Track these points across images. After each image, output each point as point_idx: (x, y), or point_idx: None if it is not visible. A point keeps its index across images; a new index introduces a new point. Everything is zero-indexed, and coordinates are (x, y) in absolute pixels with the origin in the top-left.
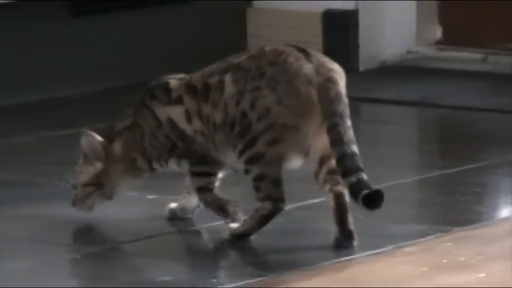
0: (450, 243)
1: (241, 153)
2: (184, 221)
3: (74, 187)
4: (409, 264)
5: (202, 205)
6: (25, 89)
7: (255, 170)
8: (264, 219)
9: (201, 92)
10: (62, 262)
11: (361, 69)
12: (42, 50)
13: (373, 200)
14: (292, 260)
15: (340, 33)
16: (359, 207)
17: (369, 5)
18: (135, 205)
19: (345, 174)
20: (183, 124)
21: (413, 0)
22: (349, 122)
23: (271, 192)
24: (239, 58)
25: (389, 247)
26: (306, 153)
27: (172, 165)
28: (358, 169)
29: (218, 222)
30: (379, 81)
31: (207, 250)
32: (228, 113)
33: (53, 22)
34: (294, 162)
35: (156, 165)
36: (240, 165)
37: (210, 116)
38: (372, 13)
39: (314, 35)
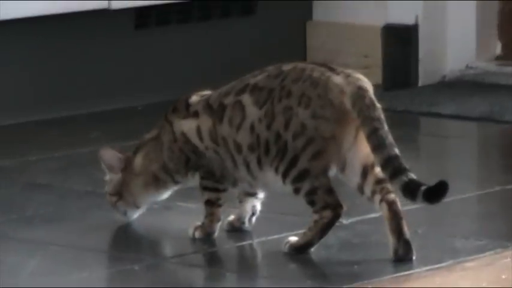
0: (510, 259)
1: (286, 174)
2: (243, 233)
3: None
4: (469, 279)
5: (257, 212)
6: (95, 99)
7: (305, 186)
8: (325, 228)
9: (216, 112)
10: (126, 272)
11: (420, 83)
12: (107, 60)
13: (436, 192)
14: (351, 274)
15: (400, 47)
16: (418, 202)
17: (429, 19)
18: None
19: (395, 174)
20: (194, 139)
21: (474, 15)
22: (387, 127)
23: (327, 200)
24: (256, 77)
25: (449, 262)
26: (343, 165)
27: (191, 178)
28: (406, 169)
29: (278, 235)
30: (440, 96)
31: (266, 263)
32: (259, 135)
33: (117, 33)
34: (333, 173)
35: (178, 178)
36: (288, 187)
37: (228, 138)
38: (432, 27)
39: (374, 48)
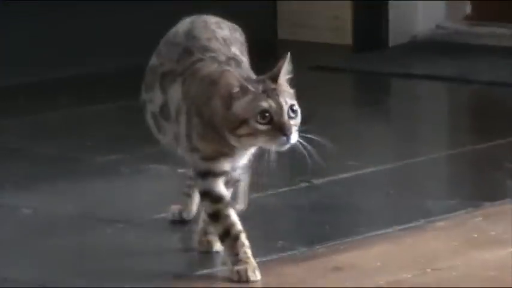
0: (481, 219)
1: None
2: None
3: None
4: (440, 239)
5: None
6: (62, 64)
7: None
8: None
9: None
10: (98, 236)
11: (390, 44)
12: (79, 26)
13: None
14: (323, 234)
15: (370, 8)
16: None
17: None
18: (167, 179)
19: None
20: None
21: None
22: None
23: None
24: None
25: (421, 222)
26: None
27: None
28: None
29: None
30: (410, 57)
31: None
32: None
33: None
34: None
35: None
36: None
37: None
38: None
39: (344, 10)
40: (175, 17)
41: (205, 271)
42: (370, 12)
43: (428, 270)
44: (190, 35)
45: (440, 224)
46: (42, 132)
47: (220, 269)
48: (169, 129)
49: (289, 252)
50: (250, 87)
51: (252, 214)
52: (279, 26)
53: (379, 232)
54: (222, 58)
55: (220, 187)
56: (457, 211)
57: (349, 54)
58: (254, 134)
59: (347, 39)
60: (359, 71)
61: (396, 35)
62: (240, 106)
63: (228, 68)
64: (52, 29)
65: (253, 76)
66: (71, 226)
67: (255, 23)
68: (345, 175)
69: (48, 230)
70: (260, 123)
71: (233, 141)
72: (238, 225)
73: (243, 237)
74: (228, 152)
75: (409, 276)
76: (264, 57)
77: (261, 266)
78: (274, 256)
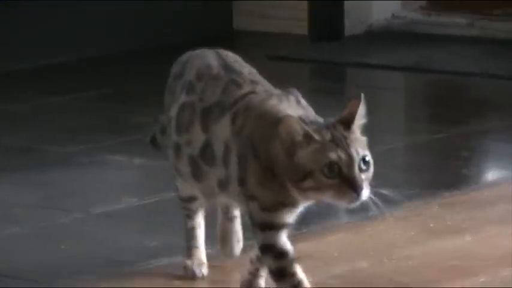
0: (438, 207)
1: None
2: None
3: None
4: (398, 228)
5: None
6: (24, 55)
7: None
8: None
9: None
10: (55, 227)
11: (347, 34)
12: (39, 18)
13: None
14: None
15: None
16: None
17: None
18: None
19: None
20: None
21: None
22: None
23: None
24: None
25: (378, 211)
26: None
27: None
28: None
29: None
30: (366, 46)
31: None
32: None
33: None
34: None
35: None
36: None
37: None
38: None
39: (300, 1)
40: (126, 13)
41: (164, 261)
42: (326, 3)
43: (385, 259)
44: (228, 67)
45: (398, 213)
46: (2, 124)
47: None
48: (212, 174)
49: (248, 242)
50: (315, 135)
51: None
52: (234, 16)
53: (337, 222)
54: (276, 91)
55: (283, 240)
56: (415, 200)
57: (306, 44)
58: (320, 188)
59: (303, 29)
60: (316, 60)
61: (352, 25)
62: (304, 156)
63: (283, 104)
64: (13, 19)
65: (315, 118)
66: (30, 216)
67: (211, 13)
68: None
69: (7, 219)
70: (327, 177)
71: (297, 194)
72: (306, 283)
73: None
74: (291, 202)
75: (365, 265)
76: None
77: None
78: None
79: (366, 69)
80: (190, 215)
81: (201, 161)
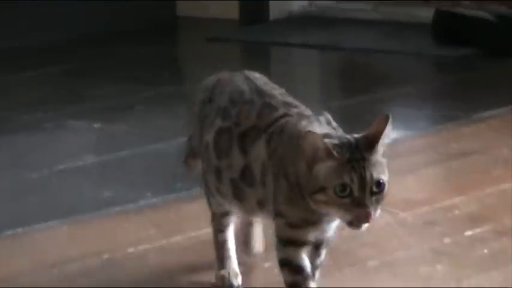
0: None
1: None
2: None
3: None
4: None
5: None
6: None
7: None
8: None
9: None
10: (27, 182)
11: (271, 18)
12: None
13: None
14: None
15: None
16: None
17: None
18: (84, 133)
19: None
20: None
21: None
22: None
23: None
24: None
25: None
26: None
27: None
28: None
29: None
30: (288, 29)
31: (144, 169)
32: None
33: None
34: None
35: None
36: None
37: None
38: None
39: None
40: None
41: (116, 208)
42: None
43: None
44: (259, 91)
45: None
46: None
47: None
48: (252, 194)
49: (186, 192)
50: (335, 152)
51: (156, 162)
52: (177, 4)
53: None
54: (308, 113)
55: (301, 257)
56: None
57: (237, 27)
58: (330, 204)
59: (234, 14)
60: (246, 41)
61: (276, 11)
62: (320, 171)
63: (314, 125)
64: None
65: (342, 136)
66: (1, 174)
67: (156, 2)
68: None
69: None
70: (338, 196)
71: (312, 204)
72: None
73: None
74: (315, 220)
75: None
76: (164, 34)
77: (162, 203)
78: (174, 195)
79: (287, 48)
80: (222, 229)
81: (242, 183)
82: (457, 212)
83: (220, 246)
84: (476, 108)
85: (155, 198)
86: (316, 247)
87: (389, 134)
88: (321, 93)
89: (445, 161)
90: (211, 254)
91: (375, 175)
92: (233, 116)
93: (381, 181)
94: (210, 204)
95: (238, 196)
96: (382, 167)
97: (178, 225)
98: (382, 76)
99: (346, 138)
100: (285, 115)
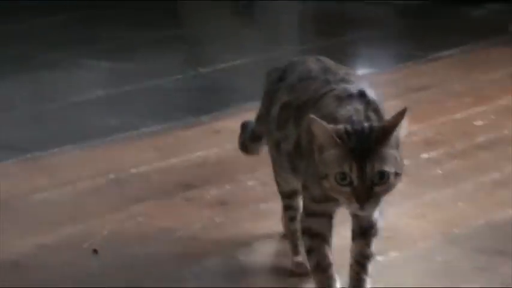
0: None
1: None
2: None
3: None
4: None
5: None
6: None
7: None
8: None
9: None
10: (47, 111)
11: None
12: None
13: None
14: (206, 108)
15: None
16: None
17: None
18: (95, 70)
19: None
20: None
21: None
22: None
23: None
24: None
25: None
26: None
27: None
28: None
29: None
30: None
31: (146, 101)
32: None
33: None
34: None
35: None
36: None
37: None
38: None
39: None
40: None
41: (121, 135)
42: None
43: None
44: (326, 69)
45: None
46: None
47: None
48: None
49: (182, 121)
50: (338, 140)
51: (157, 95)
52: None
53: (251, 104)
54: (352, 91)
55: (323, 224)
56: None
57: None
58: (333, 190)
59: None
60: None
61: None
62: (326, 158)
63: (343, 105)
64: None
65: (366, 119)
66: (25, 105)
67: None
68: (225, 65)
69: (5, 107)
70: (339, 184)
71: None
72: (328, 259)
73: (332, 270)
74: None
75: None
76: None
77: (162, 130)
78: (172, 123)
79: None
80: (293, 217)
81: (295, 156)
82: (415, 137)
83: (293, 233)
84: (432, 48)
85: (155, 126)
86: (363, 234)
87: (406, 127)
88: (299, 36)
89: (405, 94)
90: (203, 174)
91: (378, 166)
92: (295, 91)
93: (385, 172)
94: (277, 184)
95: (294, 169)
96: (390, 159)
97: (175, 149)
98: (352, 21)
99: (361, 125)
100: (331, 90)
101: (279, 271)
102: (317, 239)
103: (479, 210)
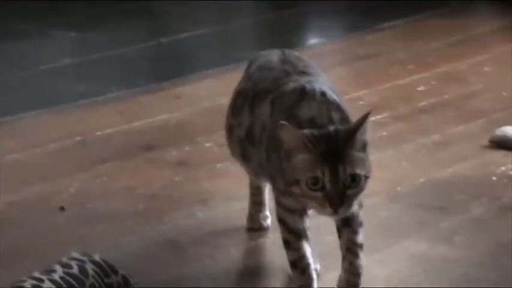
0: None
1: None
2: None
3: None
4: None
5: None
6: None
7: None
8: None
9: None
10: (18, 79)
11: None
12: None
13: None
14: (168, 74)
15: None
16: None
17: None
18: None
19: None
20: None
21: None
22: None
23: None
24: None
25: (231, 66)
26: None
27: None
28: None
29: None
30: None
31: (111, 69)
32: None
33: None
34: None
35: None
36: None
37: None
38: None
39: None
40: None
41: (86, 100)
42: None
43: None
44: (286, 61)
45: None
46: None
47: None
48: (255, 156)
49: (144, 87)
50: (310, 145)
51: (121, 63)
52: None
53: (208, 71)
54: (308, 85)
55: (296, 221)
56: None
57: None
58: (304, 196)
59: None
60: None
61: None
62: (294, 163)
63: (304, 109)
64: None
65: (329, 120)
66: None
67: None
68: (184, 35)
69: None
70: (311, 189)
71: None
72: (307, 259)
73: (310, 270)
74: None
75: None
76: None
77: (125, 95)
78: (134, 89)
79: None
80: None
81: (247, 142)
82: (361, 102)
83: (252, 189)
84: (378, 19)
85: (119, 91)
86: (347, 224)
87: (367, 130)
88: (253, 8)
89: (352, 62)
90: (164, 137)
91: (349, 169)
92: (254, 79)
93: (356, 175)
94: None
95: (245, 156)
96: (359, 161)
97: (138, 113)
98: None
99: (327, 129)
100: (290, 82)
101: (236, 227)
102: (292, 234)
103: (421, 170)
